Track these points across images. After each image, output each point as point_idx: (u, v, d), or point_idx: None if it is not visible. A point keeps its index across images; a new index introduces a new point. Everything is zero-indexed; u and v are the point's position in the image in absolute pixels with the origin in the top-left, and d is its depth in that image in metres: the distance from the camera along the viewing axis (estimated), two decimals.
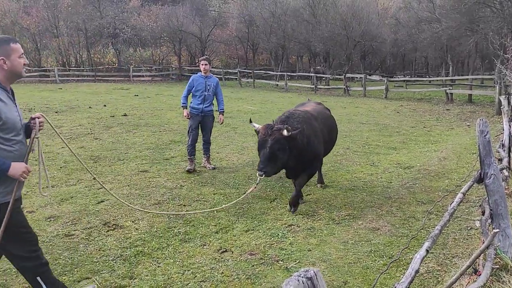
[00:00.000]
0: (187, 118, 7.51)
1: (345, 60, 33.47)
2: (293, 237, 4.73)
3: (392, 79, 26.97)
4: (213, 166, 7.58)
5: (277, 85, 29.37)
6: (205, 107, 7.40)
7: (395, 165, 7.93)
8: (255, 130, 5.37)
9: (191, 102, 7.50)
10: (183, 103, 7.48)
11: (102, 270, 3.94)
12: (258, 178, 5.11)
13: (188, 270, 3.97)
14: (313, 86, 26.92)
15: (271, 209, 5.64)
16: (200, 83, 7.39)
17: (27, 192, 5.99)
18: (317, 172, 6.32)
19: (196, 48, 37.40)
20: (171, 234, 4.80)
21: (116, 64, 36.45)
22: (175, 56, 38.18)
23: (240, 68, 34.52)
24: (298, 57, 41.72)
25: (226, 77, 32.56)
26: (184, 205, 5.71)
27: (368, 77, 26.84)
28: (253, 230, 4.94)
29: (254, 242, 4.61)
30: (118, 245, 4.47)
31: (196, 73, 7.68)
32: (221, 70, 34.01)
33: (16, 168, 2.81)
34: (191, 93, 7.52)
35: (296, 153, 5.20)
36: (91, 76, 32.44)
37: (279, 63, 37.82)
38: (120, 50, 36.75)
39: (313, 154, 5.50)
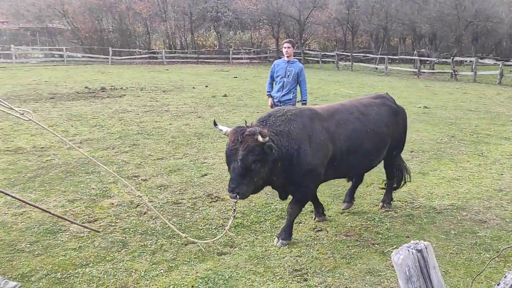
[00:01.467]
0: (272, 108, 6.76)
1: (454, 43, 31.00)
2: (390, 222, 4.65)
3: (508, 63, 24.39)
4: None
5: (377, 68, 28.29)
6: (283, 95, 6.61)
7: (508, 156, 7.29)
8: (225, 135, 4.01)
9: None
10: (267, 91, 6.89)
11: (206, 237, 4.27)
12: (233, 202, 3.77)
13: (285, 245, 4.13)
14: (415, 70, 25.45)
15: (368, 193, 5.57)
16: (280, 68, 6.64)
17: (141, 162, 6.63)
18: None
19: (294, 31, 37.31)
20: (268, 210, 5.00)
21: (217, 47, 37.88)
22: (273, 39, 38.53)
23: (338, 50, 33.79)
24: (400, 39, 39.61)
25: (323, 60, 32.12)
26: None
27: (479, 60, 24.63)
28: (348, 212, 4.95)
29: (349, 224, 4.63)
30: (220, 215, 4.79)
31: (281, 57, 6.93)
32: (318, 53, 33.64)
33: None
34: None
35: (282, 166, 3.86)
36: (194, 58, 34.15)
37: (379, 45, 36.24)
38: (221, 33, 38.07)
39: (303, 168, 3.94)
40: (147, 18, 35.81)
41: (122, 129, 8.93)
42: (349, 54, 31.53)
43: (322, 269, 3.69)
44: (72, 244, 4.04)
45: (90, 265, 3.69)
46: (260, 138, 3.58)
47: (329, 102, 5.73)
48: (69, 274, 3.55)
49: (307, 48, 37.28)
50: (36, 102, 12.12)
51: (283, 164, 3.86)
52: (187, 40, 37.95)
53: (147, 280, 3.49)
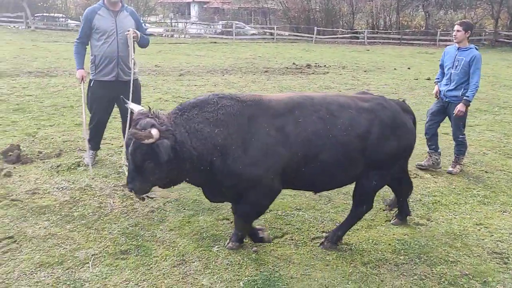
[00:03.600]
0: (436, 98, 5.85)
1: None
2: None
3: None
4: (458, 170, 5.64)
5: None
6: (448, 90, 5.54)
7: None
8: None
9: None
10: (436, 78, 5.95)
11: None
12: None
13: (485, 228, 4.16)
14: None
15: None
16: (449, 57, 5.60)
17: None
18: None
19: None
20: (469, 194, 4.99)
21: (423, 28, 35.71)
22: (491, 20, 34.24)
23: None
24: None
25: None
26: (485, 172, 5.71)
27: None
28: None
29: None
30: (418, 192, 5.00)
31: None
32: None
33: (78, 72, 4.95)
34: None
35: (198, 170, 3.20)
36: (396, 39, 33.08)
37: None
38: (430, 13, 35.68)
39: (238, 177, 3.22)
40: None
41: None
42: None
43: None
44: (289, 192, 4.88)
45: (302, 210, 4.45)
46: (148, 140, 2.92)
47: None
48: (287, 213, 4.38)
49: None
50: (254, 75, 13.94)
51: (198, 168, 3.18)
52: (391, 20, 36.84)
53: (350, 232, 4.04)
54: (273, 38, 33.04)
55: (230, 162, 3.18)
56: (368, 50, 26.61)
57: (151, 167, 3.07)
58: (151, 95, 9.68)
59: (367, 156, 3.48)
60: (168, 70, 14.18)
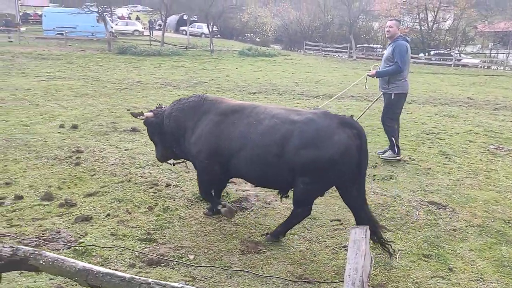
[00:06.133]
0: None
1: None
2: None
3: None
4: None
5: None
6: None
7: None
8: None
9: None
10: None
11: None
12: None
13: None
14: None
15: None
16: None
17: None
18: None
19: None
20: None
21: None
22: None
23: None
24: None
25: None
26: None
27: None
28: None
29: None
30: None
31: None
32: None
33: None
34: None
35: (174, 142, 4.62)
36: None
37: None
38: None
39: (188, 151, 4.48)
40: None
41: None
42: None
43: None
44: None
45: None
46: (142, 116, 4.65)
47: None
48: None
49: None
50: None
51: (173, 140, 4.58)
52: None
53: None
54: None
55: (186, 139, 4.41)
56: None
57: (156, 140, 4.76)
58: (461, 127, 9.76)
59: (286, 162, 3.84)
60: (481, 103, 13.65)
